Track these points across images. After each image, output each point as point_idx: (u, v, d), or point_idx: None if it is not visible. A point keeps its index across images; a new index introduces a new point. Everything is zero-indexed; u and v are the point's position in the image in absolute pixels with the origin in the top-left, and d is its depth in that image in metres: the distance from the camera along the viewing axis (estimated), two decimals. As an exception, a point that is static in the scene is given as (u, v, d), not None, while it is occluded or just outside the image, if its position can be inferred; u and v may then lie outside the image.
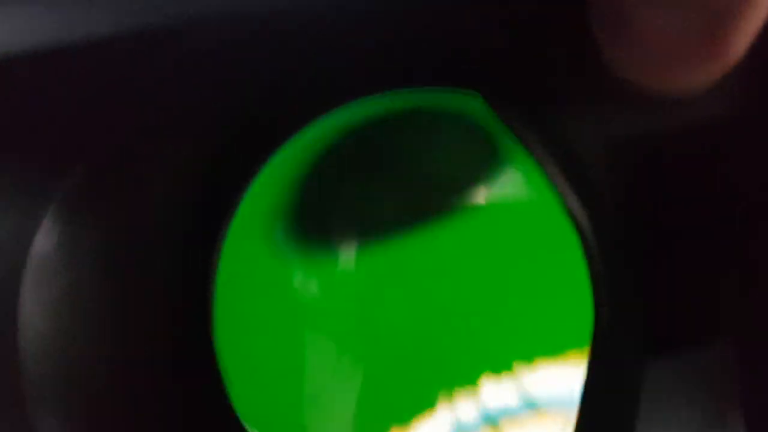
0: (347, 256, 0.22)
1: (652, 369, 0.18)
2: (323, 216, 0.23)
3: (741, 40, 0.16)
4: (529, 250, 0.22)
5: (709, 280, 0.19)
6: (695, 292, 0.19)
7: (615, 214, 0.19)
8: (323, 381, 0.22)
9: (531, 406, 0.21)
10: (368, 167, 0.22)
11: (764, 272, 0.19)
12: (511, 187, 0.22)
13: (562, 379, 0.21)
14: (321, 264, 0.22)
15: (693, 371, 0.18)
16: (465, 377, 0.22)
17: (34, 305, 0.18)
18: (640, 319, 0.19)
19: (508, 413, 0.21)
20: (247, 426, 0.21)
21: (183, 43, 0.17)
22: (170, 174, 0.21)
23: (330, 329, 0.22)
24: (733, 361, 0.18)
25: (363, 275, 0.22)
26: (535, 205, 0.21)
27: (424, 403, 0.22)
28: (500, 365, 0.21)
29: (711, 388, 0.18)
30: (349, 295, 0.22)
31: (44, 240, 0.18)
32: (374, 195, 0.23)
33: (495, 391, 0.21)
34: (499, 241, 0.22)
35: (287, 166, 0.22)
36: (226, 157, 0.22)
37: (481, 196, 0.22)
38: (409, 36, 0.19)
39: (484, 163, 0.22)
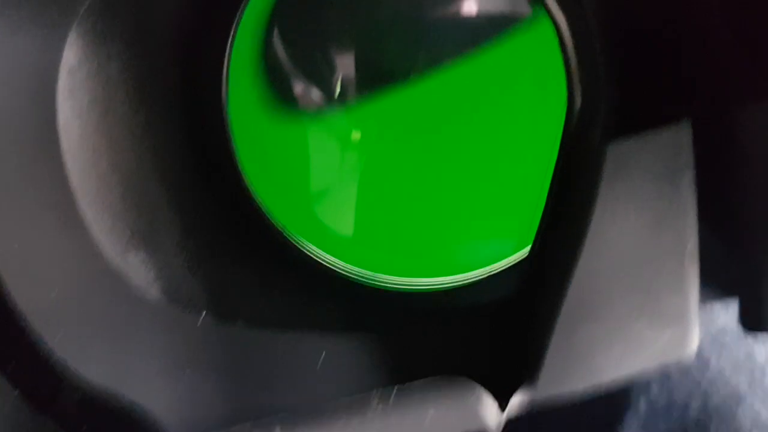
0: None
1: (615, 147, 0.20)
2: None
3: None
4: (513, 56, 0.24)
5: (674, 64, 0.21)
6: (659, 76, 0.21)
7: (590, 8, 0.21)
8: (328, 177, 0.25)
9: None
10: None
11: (723, 48, 0.20)
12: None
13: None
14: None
15: (652, 147, 0.20)
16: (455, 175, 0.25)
17: (70, 110, 0.20)
18: (608, 102, 0.21)
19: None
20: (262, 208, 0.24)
21: None
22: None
23: (332, 128, 0.24)
24: (688, 136, 0.20)
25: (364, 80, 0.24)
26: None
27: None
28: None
29: (669, 163, 0.20)
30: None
31: (71, 53, 0.20)
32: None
33: None
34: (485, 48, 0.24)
35: None
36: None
37: None
38: None
39: None
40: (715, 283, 0.20)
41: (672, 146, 0.20)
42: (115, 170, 0.21)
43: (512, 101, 0.24)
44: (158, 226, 0.22)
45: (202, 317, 0.21)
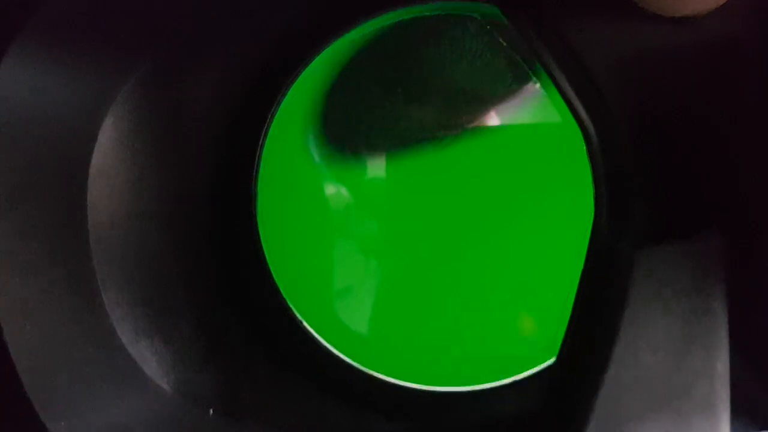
0: (375, 165, 0.24)
1: (645, 259, 0.20)
2: (352, 126, 0.25)
3: None
4: (540, 163, 0.24)
5: (704, 180, 0.20)
6: (689, 190, 0.20)
7: (622, 124, 0.21)
8: (350, 279, 0.25)
9: None
10: (393, 79, 0.24)
11: (753, 171, 0.20)
12: (528, 103, 0.24)
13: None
14: (350, 173, 0.25)
15: (683, 261, 0.20)
16: (478, 281, 0.24)
17: (100, 192, 0.20)
18: (637, 213, 0.21)
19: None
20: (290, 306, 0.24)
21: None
22: (215, 80, 0.23)
23: (357, 235, 0.25)
24: (722, 251, 0.19)
25: (389, 184, 0.24)
26: (549, 122, 0.23)
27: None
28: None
29: (699, 277, 0.19)
30: (375, 203, 0.25)
31: (106, 136, 0.20)
32: (399, 106, 0.24)
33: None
34: (513, 157, 0.24)
35: (316, 79, 0.24)
36: (264, 66, 0.23)
37: (499, 112, 0.24)
38: None
39: (504, 79, 0.24)
40: (751, 418, 0.19)
41: (703, 261, 0.20)
42: (138, 257, 0.21)
43: (538, 207, 0.24)
44: (174, 317, 0.22)
45: (211, 413, 0.21)
